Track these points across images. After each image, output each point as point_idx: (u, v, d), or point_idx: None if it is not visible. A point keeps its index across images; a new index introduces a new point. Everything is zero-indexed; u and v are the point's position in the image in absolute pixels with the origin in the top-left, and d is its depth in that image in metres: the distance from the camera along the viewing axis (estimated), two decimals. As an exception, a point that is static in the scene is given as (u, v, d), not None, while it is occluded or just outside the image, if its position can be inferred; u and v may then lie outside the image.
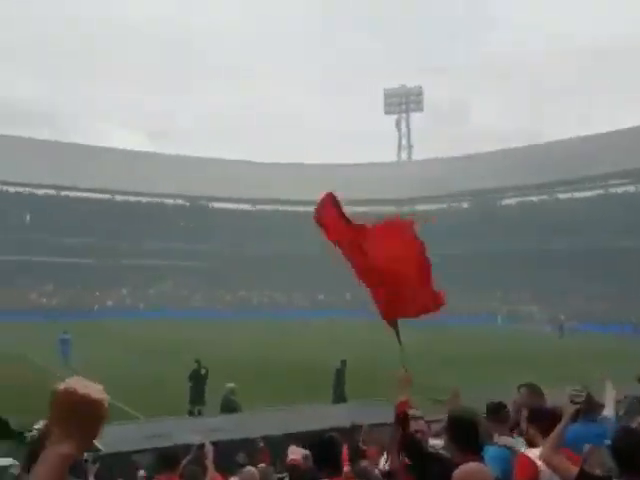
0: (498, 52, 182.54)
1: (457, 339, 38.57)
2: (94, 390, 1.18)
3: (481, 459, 3.26)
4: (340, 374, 16.33)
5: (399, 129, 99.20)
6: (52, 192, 76.77)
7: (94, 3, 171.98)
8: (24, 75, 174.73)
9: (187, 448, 7.49)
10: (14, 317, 51.14)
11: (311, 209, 4.50)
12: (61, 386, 1.17)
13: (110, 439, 8.83)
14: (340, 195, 4.03)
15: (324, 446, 3.98)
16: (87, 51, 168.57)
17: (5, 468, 4.01)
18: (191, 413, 15.53)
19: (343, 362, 16.56)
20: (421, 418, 5.39)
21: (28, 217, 70.82)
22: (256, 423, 11.72)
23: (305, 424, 11.08)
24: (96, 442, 1.19)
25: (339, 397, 15.98)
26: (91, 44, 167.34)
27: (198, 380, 15.85)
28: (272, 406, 15.46)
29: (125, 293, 66.59)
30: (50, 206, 72.18)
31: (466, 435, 3.35)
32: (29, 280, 62.17)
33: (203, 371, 16.09)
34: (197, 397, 15.75)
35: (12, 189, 74.65)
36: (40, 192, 76.19)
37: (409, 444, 3.63)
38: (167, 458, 5.54)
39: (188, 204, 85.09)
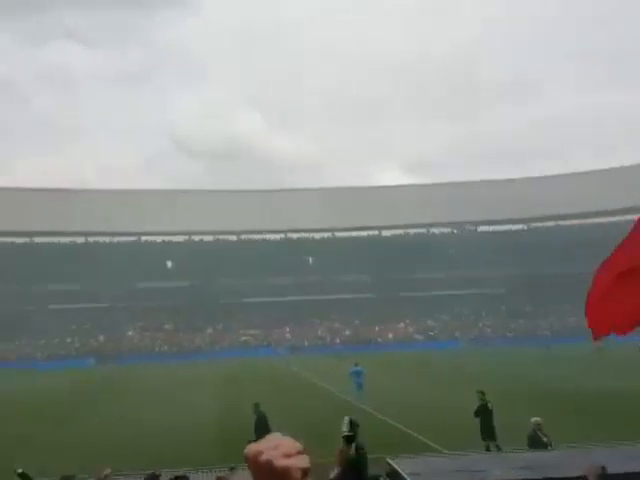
0: None
1: None
2: (281, 454, 1.04)
3: None
4: None
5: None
6: (328, 235, 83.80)
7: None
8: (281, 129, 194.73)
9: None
10: (305, 351, 56.46)
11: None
12: (250, 449, 1.06)
13: (422, 471, 8.70)
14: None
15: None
16: (333, 96, 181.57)
17: None
18: (488, 449, 14.75)
19: None
20: None
21: (310, 260, 78.14)
22: (571, 460, 10.48)
23: (625, 463, 9.56)
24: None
25: None
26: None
27: (485, 414, 15.01)
28: (583, 441, 13.86)
29: (404, 325, 68.25)
30: (327, 247, 78.63)
31: None
32: (316, 317, 68.12)
33: (490, 405, 15.14)
34: (487, 432, 14.92)
35: (295, 236, 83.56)
36: (317, 236, 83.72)
37: None
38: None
39: (455, 231, 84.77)
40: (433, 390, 25.80)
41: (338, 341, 63.42)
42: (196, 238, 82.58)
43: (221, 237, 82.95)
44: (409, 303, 68.55)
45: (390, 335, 65.11)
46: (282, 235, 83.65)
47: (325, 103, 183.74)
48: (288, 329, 66.64)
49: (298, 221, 79.43)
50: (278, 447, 1.04)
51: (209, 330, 66.50)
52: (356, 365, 25.78)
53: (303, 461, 1.03)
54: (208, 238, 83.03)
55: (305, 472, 1.03)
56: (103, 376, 41.48)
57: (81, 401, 27.72)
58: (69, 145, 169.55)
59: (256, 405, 15.14)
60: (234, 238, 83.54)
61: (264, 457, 1.02)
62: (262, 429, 14.36)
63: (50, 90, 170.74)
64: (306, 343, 62.69)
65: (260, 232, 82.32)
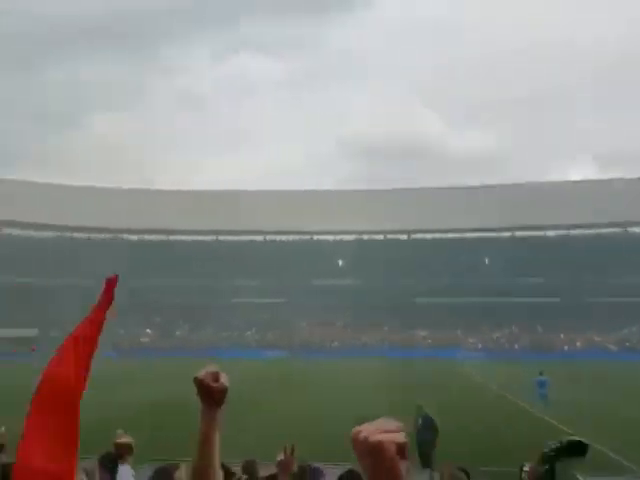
0: None
1: None
2: (376, 430, 1.06)
3: None
4: None
5: None
6: (507, 234, 79.00)
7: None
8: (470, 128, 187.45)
9: None
10: (481, 355, 53.45)
11: None
12: (353, 430, 1.08)
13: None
14: None
15: None
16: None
17: None
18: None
19: None
20: None
21: (487, 260, 74.05)
22: None
23: None
24: None
25: None
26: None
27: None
28: None
29: (594, 333, 60.82)
30: (506, 247, 73.86)
31: None
32: (493, 320, 64.04)
33: None
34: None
35: (470, 235, 79.93)
36: (494, 235, 79.25)
37: None
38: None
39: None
40: (629, 405, 22.53)
41: (517, 347, 59.08)
42: (366, 237, 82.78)
43: (391, 236, 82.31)
44: (601, 309, 61.38)
45: (578, 343, 58.93)
46: (456, 234, 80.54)
47: (506, 97, 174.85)
48: (462, 332, 63.54)
49: (472, 220, 75.85)
50: (376, 425, 1.05)
51: (379, 329, 65.93)
52: (540, 374, 24.05)
53: (398, 437, 1.04)
54: (378, 237, 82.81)
55: (401, 447, 1.04)
56: (281, 368, 42.54)
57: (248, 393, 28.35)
58: (246, 148, 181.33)
59: (419, 407, 13.95)
60: (405, 237, 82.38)
61: (362, 435, 1.05)
62: (428, 431, 13.28)
63: (230, 97, 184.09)
64: (480, 346, 59.36)
65: (431, 231, 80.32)
